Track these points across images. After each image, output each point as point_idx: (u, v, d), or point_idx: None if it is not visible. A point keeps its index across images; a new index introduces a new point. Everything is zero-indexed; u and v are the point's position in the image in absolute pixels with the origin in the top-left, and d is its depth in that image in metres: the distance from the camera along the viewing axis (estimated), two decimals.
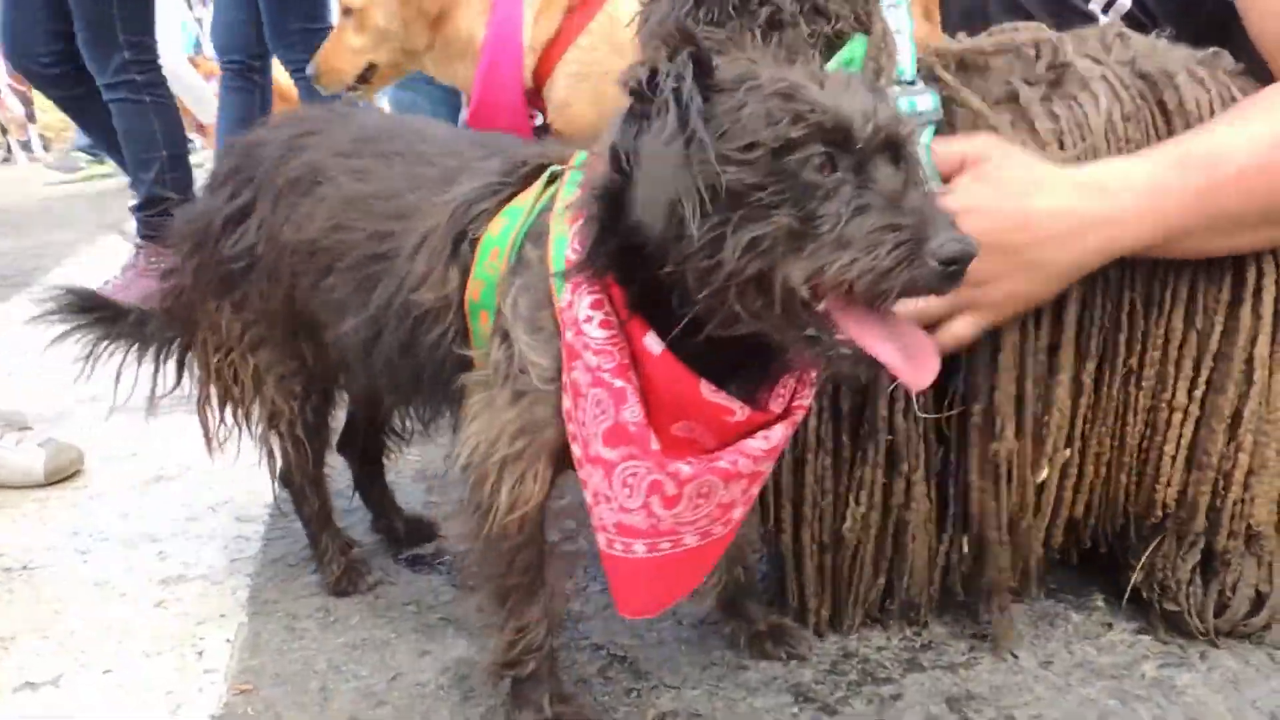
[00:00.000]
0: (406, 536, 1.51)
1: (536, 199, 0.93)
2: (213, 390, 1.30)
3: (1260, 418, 1.09)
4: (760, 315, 0.74)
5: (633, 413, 0.81)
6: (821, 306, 0.73)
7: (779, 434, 0.87)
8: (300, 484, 1.36)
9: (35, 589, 1.43)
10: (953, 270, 0.68)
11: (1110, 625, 1.21)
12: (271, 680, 1.19)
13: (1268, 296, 1.07)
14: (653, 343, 0.80)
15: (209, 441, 1.34)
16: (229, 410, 1.31)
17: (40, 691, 1.19)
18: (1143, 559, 1.17)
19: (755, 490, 0.93)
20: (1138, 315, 1.10)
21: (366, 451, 1.52)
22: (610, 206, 0.78)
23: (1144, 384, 1.11)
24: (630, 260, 0.79)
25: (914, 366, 0.73)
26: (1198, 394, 1.10)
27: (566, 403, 0.85)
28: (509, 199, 0.95)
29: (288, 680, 1.19)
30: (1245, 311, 1.08)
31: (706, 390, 0.81)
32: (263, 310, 1.20)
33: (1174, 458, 1.12)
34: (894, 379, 0.75)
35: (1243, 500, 1.11)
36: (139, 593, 1.41)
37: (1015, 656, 1.15)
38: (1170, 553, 1.16)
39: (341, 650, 1.25)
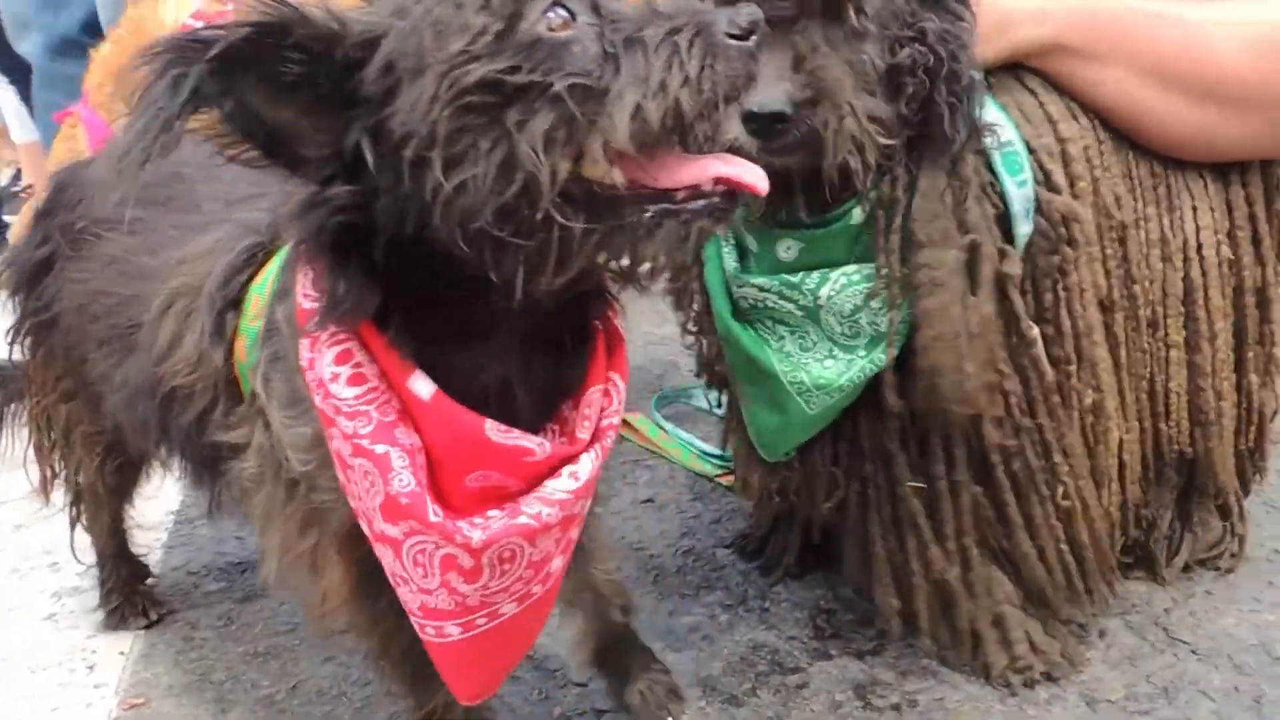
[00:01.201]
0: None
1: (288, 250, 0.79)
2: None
3: (1229, 366, 1.12)
4: (596, 218, 0.62)
5: (401, 481, 0.68)
6: (615, 177, 0.62)
7: (588, 469, 0.74)
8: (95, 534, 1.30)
9: None
10: (752, 43, 0.61)
11: None
12: (165, 692, 1.15)
13: (1209, 252, 1.08)
14: (421, 385, 0.68)
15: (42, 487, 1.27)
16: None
17: None
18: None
19: (575, 534, 0.81)
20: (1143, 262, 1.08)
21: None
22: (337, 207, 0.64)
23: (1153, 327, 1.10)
24: (393, 265, 0.65)
25: (753, 173, 0.65)
26: (1183, 335, 1.10)
27: (340, 477, 0.73)
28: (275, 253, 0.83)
29: (182, 692, 1.15)
30: (1195, 270, 1.08)
31: (494, 432, 0.69)
32: (68, 367, 1.12)
33: (1179, 396, 1.12)
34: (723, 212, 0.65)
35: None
36: (29, 606, 1.35)
37: (920, 640, 1.16)
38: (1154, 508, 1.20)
39: (241, 659, 1.21)
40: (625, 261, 0.66)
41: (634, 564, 1.38)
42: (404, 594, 0.77)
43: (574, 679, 1.12)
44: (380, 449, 0.68)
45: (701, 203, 0.64)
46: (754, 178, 0.64)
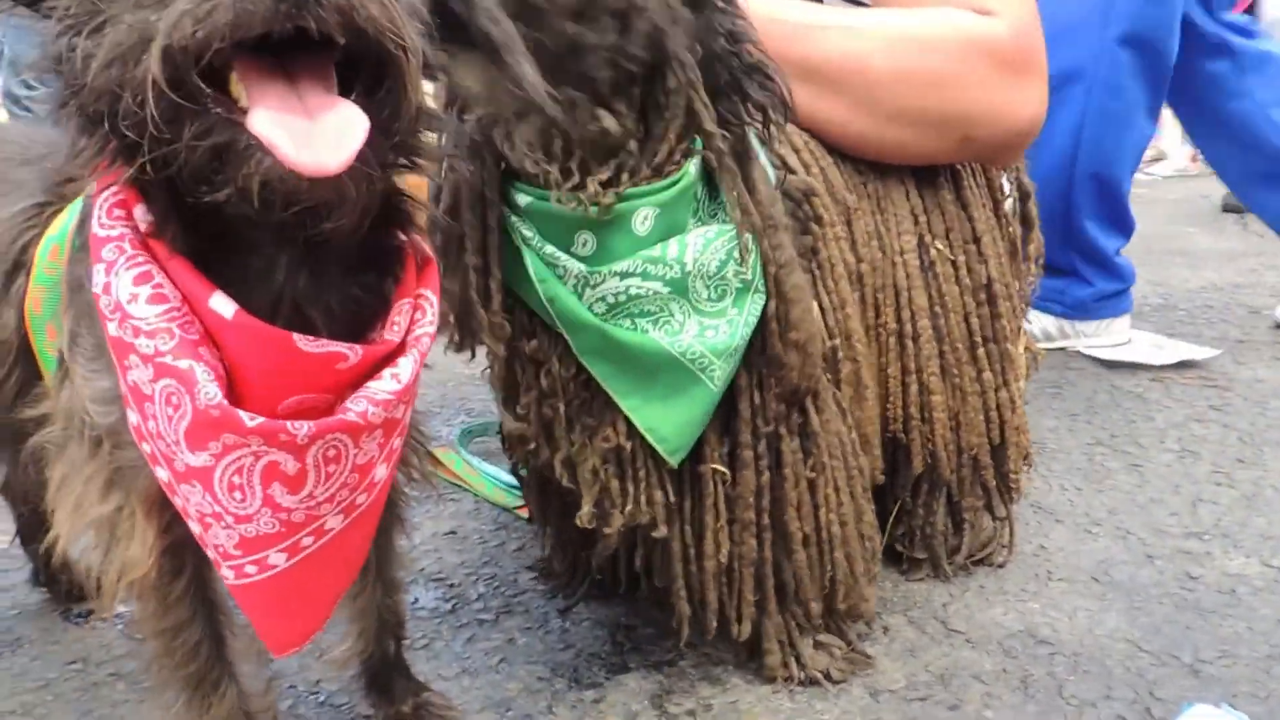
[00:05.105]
0: (75, 591, 1.34)
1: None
2: None
3: (940, 365, 1.18)
4: (202, 131, 0.59)
5: (208, 393, 0.66)
6: (245, 100, 0.60)
7: (408, 370, 0.75)
8: None
9: None
10: None
11: None
12: None
13: (910, 257, 1.15)
14: (222, 304, 0.67)
15: None
16: None
17: None
18: (900, 503, 1.28)
19: (398, 444, 0.80)
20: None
21: (30, 494, 1.34)
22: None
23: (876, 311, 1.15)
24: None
25: (310, 143, 0.58)
26: (897, 325, 1.17)
27: (133, 418, 0.70)
28: (60, 211, 0.81)
29: None
30: (900, 273, 1.15)
31: (304, 343, 0.69)
32: None
33: (896, 381, 1.18)
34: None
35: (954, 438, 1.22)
36: None
37: (717, 649, 1.17)
38: (923, 500, 1.27)
39: None
40: (227, 178, 0.62)
41: (433, 595, 1.33)
42: (217, 536, 0.73)
43: (363, 710, 1.06)
44: (184, 364, 0.67)
45: (250, 140, 0.60)
46: (289, 151, 0.58)
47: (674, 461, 0.99)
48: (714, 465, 1.01)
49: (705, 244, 0.93)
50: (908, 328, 1.17)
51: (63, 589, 1.35)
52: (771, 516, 1.04)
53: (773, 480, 1.03)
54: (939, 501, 1.28)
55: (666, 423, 0.97)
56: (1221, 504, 1.48)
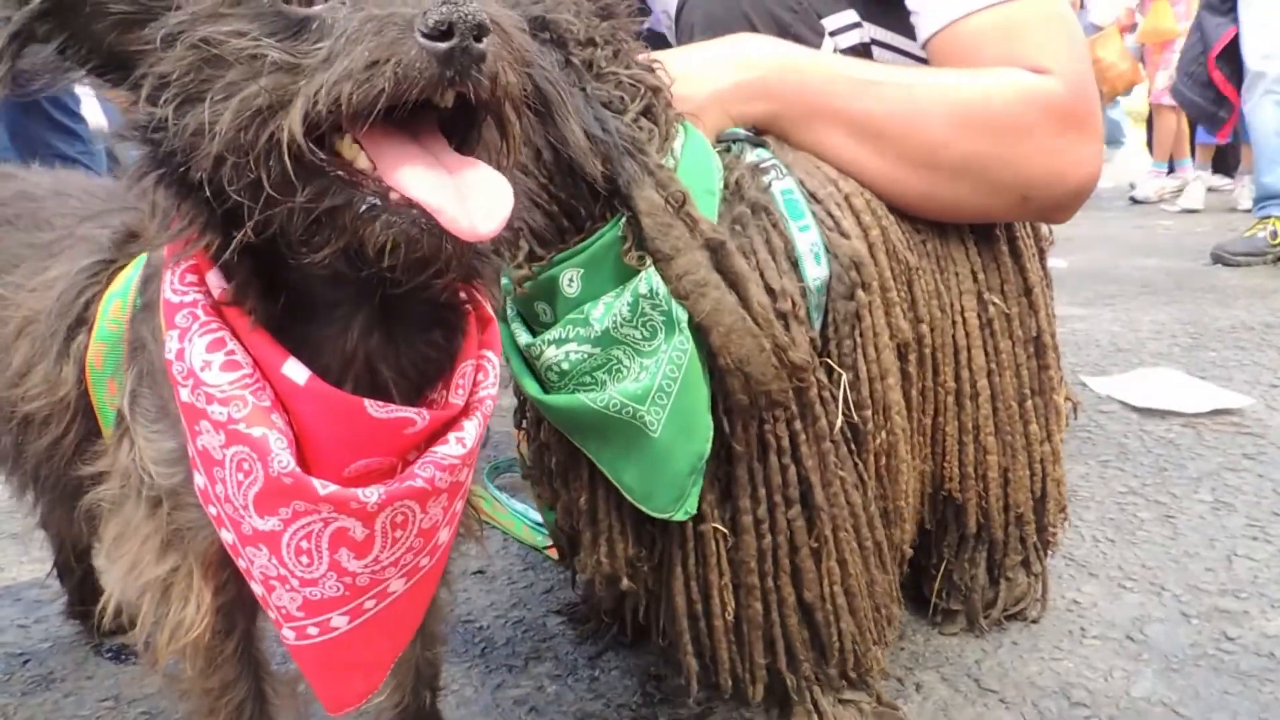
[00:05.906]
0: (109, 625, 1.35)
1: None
2: None
3: (995, 421, 1.17)
4: (318, 194, 0.59)
5: (281, 461, 0.66)
6: (361, 161, 0.60)
7: (472, 433, 0.74)
8: None
9: None
10: (451, 47, 0.54)
11: None
12: None
13: (970, 315, 1.15)
14: (295, 371, 0.67)
15: None
16: None
17: None
18: (945, 562, 1.26)
19: (460, 505, 0.80)
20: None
21: (71, 528, 1.35)
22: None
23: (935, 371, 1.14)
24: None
25: (466, 208, 0.58)
26: (955, 384, 1.16)
27: (200, 481, 0.71)
28: (124, 268, 0.83)
29: None
30: (960, 331, 1.14)
31: (374, 409, 0.69)
32: None
33: (953, 440, 1.17)
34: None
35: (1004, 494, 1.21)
36: None
37: (748, 704, 1.16)
38: (968, 555, 1.25)
39: None
40: (344, 242, 0.62)
41: (462, 637, 1.34)
42: (281, 598, 0.73)
43: None
44: (258, 432, 0.67)
45: (413, 211, 0.59)
46: (454, 215, 0.58)
47: (651, 512, 0.97)
48: (714, 525, 1.01)
49: (617, 293, 0.92)
50: (966, 386, 1.16)
51: (98, 622, 1.36)
52: (775, 581, 1.03)
53: (775, 546, 1.02)
54: (981, 556, 1.26)
55: (628, 473, 0.97)
56: (1258, 559, 1.46)
